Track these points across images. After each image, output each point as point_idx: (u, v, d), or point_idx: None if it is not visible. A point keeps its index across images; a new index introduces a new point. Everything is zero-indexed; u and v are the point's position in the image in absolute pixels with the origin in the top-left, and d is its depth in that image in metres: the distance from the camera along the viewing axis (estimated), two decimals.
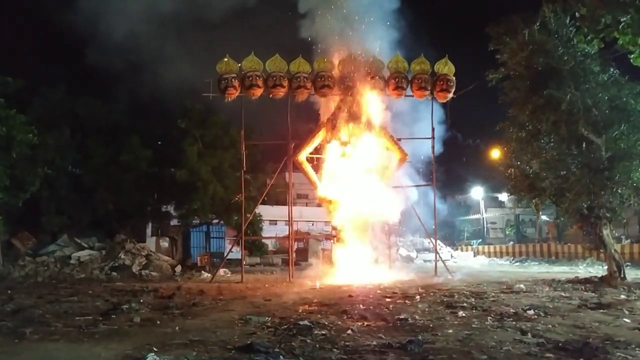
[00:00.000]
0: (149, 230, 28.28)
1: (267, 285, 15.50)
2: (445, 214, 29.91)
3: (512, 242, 38.17)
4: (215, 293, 13.33)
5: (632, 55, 8.57)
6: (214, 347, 6.49)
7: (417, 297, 11.48)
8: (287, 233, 20.86)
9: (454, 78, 18.62)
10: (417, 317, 8.62)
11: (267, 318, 8.59)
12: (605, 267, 15.34)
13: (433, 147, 18.84)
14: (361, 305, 9.96)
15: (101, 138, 24.26)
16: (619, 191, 13.80)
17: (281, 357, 5.91)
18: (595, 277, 15.08)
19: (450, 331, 7.35)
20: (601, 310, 9.26)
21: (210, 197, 23.55)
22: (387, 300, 11.10)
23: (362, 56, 18.30)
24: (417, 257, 31.14)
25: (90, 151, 23.76)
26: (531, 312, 8.90)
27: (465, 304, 10.06)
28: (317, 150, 19.36)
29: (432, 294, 12.17)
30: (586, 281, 14.43)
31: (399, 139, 18.83)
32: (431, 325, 7.81)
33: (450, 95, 18.63)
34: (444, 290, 12.82)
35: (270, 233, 32.19)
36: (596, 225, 14.44)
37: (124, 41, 24.03)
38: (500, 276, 17.75)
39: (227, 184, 23.70)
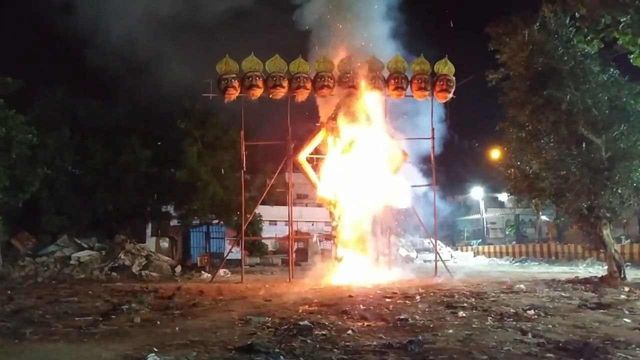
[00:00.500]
0: (148, 231, 28.29)
1: (267, 286, 15.48)
2: (445, 214, 29.87)
3: (514, 242, 38.17)
4: (215, 293, 13.33)
5: (632, 56, 8.58)
6: (214, 348, 6.49)
7: (417, 297, 11.48)
8: (287, 233, 20.85)
9: (454, 78, 18.62)
10: (417, 317, 8.62)
11: (267, 318, 8.59)
12: (605, 267, 15.34)
13: (433, 147, 18.85)
14: (361, 306, 9.95)
15: (101, 138, 24.27)
16: (619, 191, 13.79)
17: (281, 357, 5.91)
18: (595, 277, 15.08)
19: (451, 331, 7.35)
20: (601, 310, 9.25)
21: (210, 197, 23.57)
22: (387, 300, 11.09)
23: (361, 56, 18.29)
24: (417, 257, 31.14)
25: (90, 151, 23.77)
26: (531, 312, 8.90)
27: (465, 304, 10.05)
28: (317, 150, 19.36)
29: (432, 294, 12.17)
30: (586, 281, 14.42)
31: (399, 139, 18.80)
32: (431, 326, 7.81)
33: (450, 95, 18.63)
34: (444, 291, 12.81)
35: (270, 233, 32.19)
36: (596, 225, 14.44)
37: (124, 41, 24.03)
38: (500, 276, 17.75)
39: (227, 184, 23.72)
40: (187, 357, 5.98)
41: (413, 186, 18.92)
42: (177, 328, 7.98)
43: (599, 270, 18.16)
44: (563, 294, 11.75)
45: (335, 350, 6.26)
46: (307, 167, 19.18)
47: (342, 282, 15.47)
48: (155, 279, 18.88)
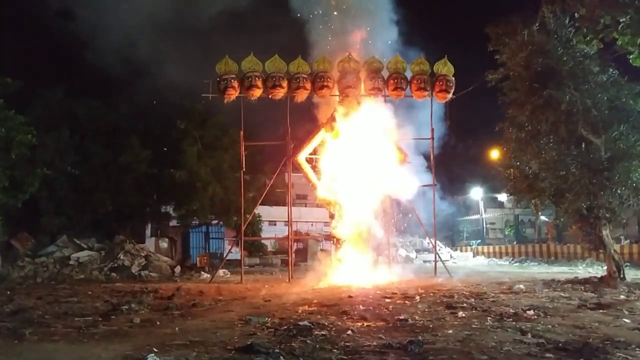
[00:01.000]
0: (148, 231, 28.31)
1: (266, 286, 15.49)
2: (445, 214, 29.88)
3: (514, 242, 38.19)
4: (215, 294, 13.33)
5: (632, 56, 8.56)
6: (214, 348, 6.49)
7: (417, 297, 11.48)
8: (287, 234, 20.85)
9: (453, 78, 18.63)
10: (417, 317, 8.62)
11: (267, 319, 8.59)
12: (605, 268, 15.34)
13: (432, 148, 18.86)
14: (361, 306, 9.95)
15: (100, 139, 24.26)
16: (619, 191, 13.79)
17: (281, 357, 5.91)
18: (595, 277, 15.08)
19: (450, 331, 7.35)
20: (601, 311, 9.26)
21: (210, 197, 23.56)
22: (387, 300, 11.09)
23: (361, 56, 18.30)
24: (416, 257, 31.16)
25: (89, 152, 23.75)
26: (531, 312, 8.91)
27: (465, 305, 10.06)
28: (317, 150, 19.36)
29: (431, 294, 12.17)
30: (586, 281, 14.41)
31: (399, 140, 18.79)
32: (431, 326, 7.81)
33: (450, 95, 18.64)
34: (444, 291, 12.82)
35: (270, 234, 32.20)
36: (595, 226, 14.44)
37: (124, 42, 24.09)
38: (500, 276, 17.76)
39: (227, 184, 23.71)
40: (187, 358, 5.98)
41: (412, 187, 18.91)
42: (176, 328, 7.98)
43: (599, 270, 18.17)
44: (562, 294, 11.75)
45: (335, 350, 6.26)
46: (307, 168, 19.19)
47: (342, 283, 15.46)
48: (155, 280, 18.88)
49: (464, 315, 8.81)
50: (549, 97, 13.81)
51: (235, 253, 22.83)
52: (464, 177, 43.27)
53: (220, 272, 19.68)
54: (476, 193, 46.83)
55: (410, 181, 17.71)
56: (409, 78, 18.49)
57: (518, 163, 15.56)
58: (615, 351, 5.99)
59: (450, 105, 19.00)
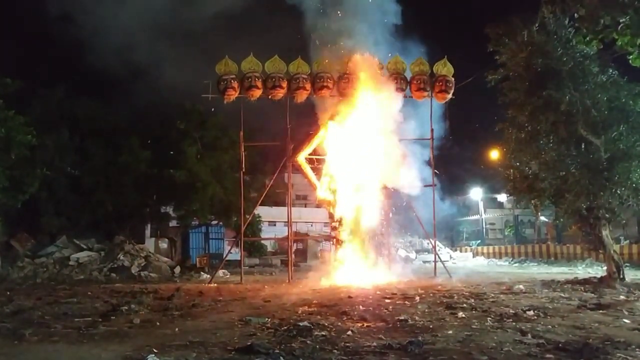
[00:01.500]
0: (148, 232, 28.30)
1: (266, 287, 15.48)
2: (445, 214, 29.90)
3: (514, 243, 38.19)
4: (215, 294, 13.32)
5: (631, 56, 8.57)
6: (214, 349, 6.48)
7: (417, 298, 11.48)
8: (286, 234, 20.85)
9: (453, 79, 18.65)
10: (416, 318, 8.62)
11: (266, 319, 8.58)
12: (604, 268, 15.34)
13: (432, 148, 18.86)
14: (361, 306, 9.94)
15: (100, 139, 24.26)
16: (618, 192, 13.79)
17: (281, 358, 5.90)
18: (595, 277, 15.08)
19: (450, 332, 7.34)
20: (601, 311, 9.26)
21: (210, 198, 23.57)
22: (387, 301, 11.08)
23: (361, 57, 18.28)
24: (416, 258, 31.15)
25: (89, 152, 23.75)
26: (531, 312, 8.90)
27: (464, 305, 10.06)
28: (316, 151, 19.36)
29: (431, 294, 12.17)
30: (585, 282, 14.41)
31: (399, 140, 18.77)
32: (431, 326, 7.81)
33: (449, 96, 18.67)
34: (444, 291, 12.81)
35: (270, 234, 32.19)
36: (595, 226, 14.44)
37: (123, 42, 24.07)
38: (500, 277, 17.76)
39: (226, 185, 23.72)
40: (187, 358, 5.98)
41: (412, 187, 18.91)
42: (176, 329, 7.98)
43: (598, 270, 18.18)
44: (562, 295, 11.76)
45: (335, 351, 6.26)
46: (307, 168, 19.20)
47: (342, 283, 15.46)
48: (155, 280, 18.87)
49: (463, 315, 8.81)
50: (549, 98, 13.82)
51: (235, 253, 22.81)
52: (463, 177, 43.33)
53: (220, 272, 19.67)
54: (476, 193, 46.83)
55: (411, 177, 17.73)
56: (408, 78, 18.52)
57: (518, 163, 15.56)
58: (615, 352, 5.98)
59: (450, 106, 19.02)
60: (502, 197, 45.09)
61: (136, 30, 23.50)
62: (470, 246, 40.77)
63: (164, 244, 25.99)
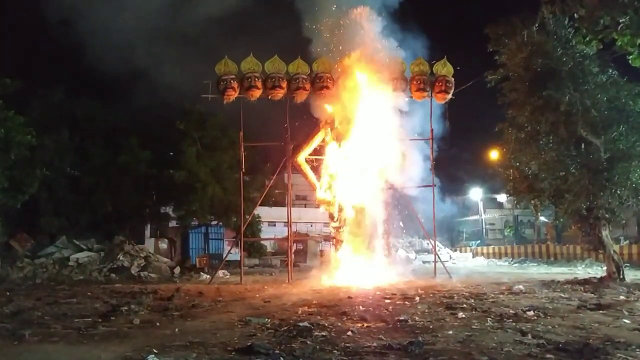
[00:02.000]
0: (147, 232, 28.31)
1: (266, 287, 15.46)
2: (444, 214, 29.91)
3: (514, 243, 38.20)
4: (215, 294, 13.31)
5: (631, 56, 8.58)
6: (214, 349, 6.48)
7: (417, 298, 11.47)
8: (286, 234, 20.84)
9: (453, 79, 18.64)
10: (417, 318, 8.61)
11: (266, 319, 8.57)
12: (604, 268, 15.34)
13: (432, 148, 18.83)
14: (361, 307, 9.94)
15: (100, 139, 24.28)
16: (618, 192, 13.79)
17: (281, 358, 5.90)
18: (594, 278, 15.08)
19: (451, 332, 7.34)
20: (601, 311, 9.25)
21: (209, 198, 23.58)
22: (387, 301, 11.08)
23: (361, 57, 18.28)
24: (415, 258, 31.14)
25: (88, 153, 23.77)
26: (531, 313, 8.90)
27: (464, 305, 10.05)
28: (316, 151, 19.35)
29: (431, 295, 12.16)
30: (585, 282, 14.40)
31: (398, 140, 18.77)
32: (431, 327, 7.80)
33: (449, 96, 18.65)
34: (444, 292, 12.80)
35: (269, 234, 32.20)
36: (595, 226, 14.44)
37: (123, 42, 24.07)
38: (499, 277, 17.75)
39: (226, 185, 23.73)
40: (187, 359, 5.98)
41: (412, 187, 18.92)
42: (176, 329, 7.96)
43: (598, 271, 18.17)
44: (562, 295, 11.75)
45: (335, 351, 6.25)
46: (306, 168, 19.18)
47: (342, 283, 15.45)
48: (154, 280, 18.85)
49: (463, 316, 8.80)
50: (549, 98, 13.82)
51: (234, 254, 22.80)
52: (463, 177, 43.36)
53: (220, 272, 19.65)
54: (475, 193, 46.85)
55: (411, 177, 17.74)
56: (408, 79, 18.52)
57: (518, 164, 15.57)
58: (615, 352, 5.98)
59: (450, 106, 19.01)
60: (502, 198, 45.09)
61: (136, 31, 23.52)
62: (470, 246, 40.78)
63: (163, 245, 25.98)
